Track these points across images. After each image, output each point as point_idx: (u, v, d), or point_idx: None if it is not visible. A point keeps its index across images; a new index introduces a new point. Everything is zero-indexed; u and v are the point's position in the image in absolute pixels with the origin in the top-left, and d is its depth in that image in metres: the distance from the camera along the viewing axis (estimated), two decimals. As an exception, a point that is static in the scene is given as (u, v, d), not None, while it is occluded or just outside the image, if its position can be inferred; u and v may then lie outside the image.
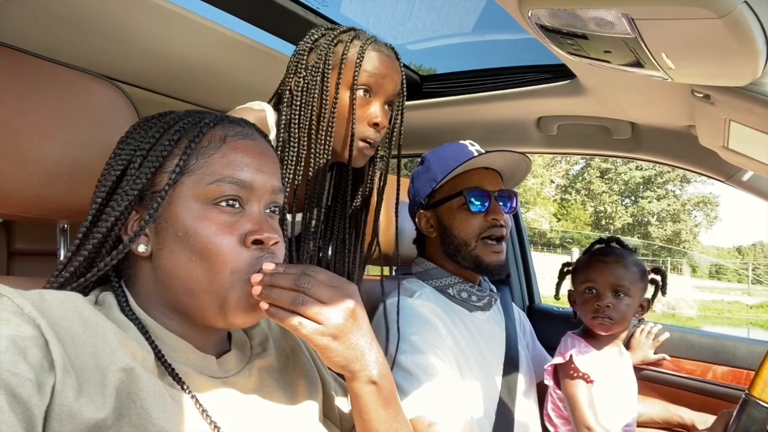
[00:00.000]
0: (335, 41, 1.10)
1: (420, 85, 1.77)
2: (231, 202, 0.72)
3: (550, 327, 1.90)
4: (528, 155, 1.38)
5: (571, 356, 1.41)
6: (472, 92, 1.67)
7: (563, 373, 1.43)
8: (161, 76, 1.64)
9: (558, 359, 1.45)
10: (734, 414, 0.97)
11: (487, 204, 1.33)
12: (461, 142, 1.42)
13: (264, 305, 0.69)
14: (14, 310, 0.56)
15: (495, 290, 1.52)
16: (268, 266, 0.70)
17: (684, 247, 32.88)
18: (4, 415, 0.49)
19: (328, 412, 0.91)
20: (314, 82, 1.09)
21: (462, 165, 1.30)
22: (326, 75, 1.08)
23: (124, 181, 0.72)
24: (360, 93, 1.09)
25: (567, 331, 1.55)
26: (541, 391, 1.57)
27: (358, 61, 1.08)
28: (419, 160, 1.51)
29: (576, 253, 16.15)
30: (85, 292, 0.73)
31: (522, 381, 1.41)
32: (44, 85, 0.88)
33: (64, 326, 0.59)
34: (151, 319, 0.72)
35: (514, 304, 1.67)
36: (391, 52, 1.14)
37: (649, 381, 1.73)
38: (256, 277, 0.69)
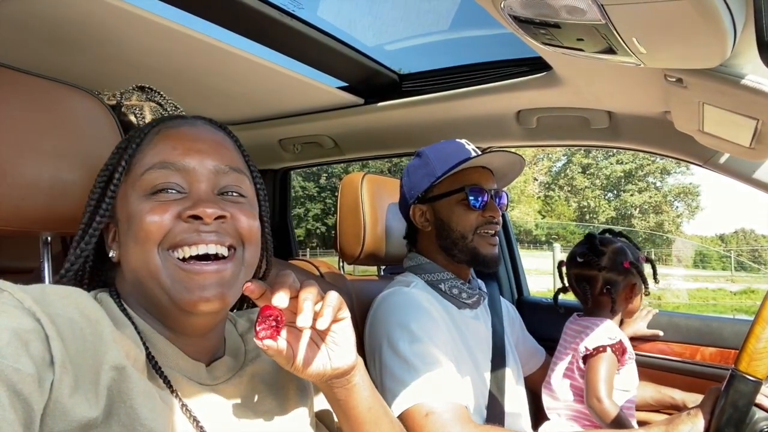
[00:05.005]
0: None
1: (399, 85, 1.78)
2: (169, 190, 0.71)
3: (539, 318, 1.92)
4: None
5: (620, 339, 1.46)
6: (452, 88, 1.68)
7: (596, 352, 1.45)
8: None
9: (603, 340, 1.45)
10: (722, 389, 0.99)
11: (484, 201, 1.37)
12: (457, 140, 1.46)
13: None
14: (15, 304, 0.56)
15: (484, 289, 1.54)
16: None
17: (668, 238, 33.30)
18: (5, 412, 0.48)
19: (323, 416, 0.91)
20: None
21: (464, 163, 1.34)
22: None
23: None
24: None
25: (555, 322, 1.56)
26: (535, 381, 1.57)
27: None
28: (399, 159, 1.52)
29: (558, 248, 16.10)
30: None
31: (510, 375, 1.43)
32: (21, 96, 0.87)
33: (65, 321, 0.58)
34: (144, 322, 0.72)
35: (503, 297, 1.68)
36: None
37: (639, 366, 1.74)
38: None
